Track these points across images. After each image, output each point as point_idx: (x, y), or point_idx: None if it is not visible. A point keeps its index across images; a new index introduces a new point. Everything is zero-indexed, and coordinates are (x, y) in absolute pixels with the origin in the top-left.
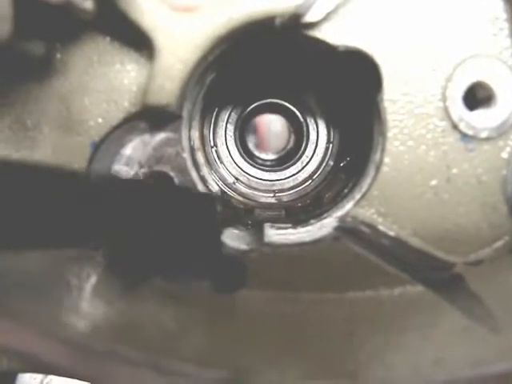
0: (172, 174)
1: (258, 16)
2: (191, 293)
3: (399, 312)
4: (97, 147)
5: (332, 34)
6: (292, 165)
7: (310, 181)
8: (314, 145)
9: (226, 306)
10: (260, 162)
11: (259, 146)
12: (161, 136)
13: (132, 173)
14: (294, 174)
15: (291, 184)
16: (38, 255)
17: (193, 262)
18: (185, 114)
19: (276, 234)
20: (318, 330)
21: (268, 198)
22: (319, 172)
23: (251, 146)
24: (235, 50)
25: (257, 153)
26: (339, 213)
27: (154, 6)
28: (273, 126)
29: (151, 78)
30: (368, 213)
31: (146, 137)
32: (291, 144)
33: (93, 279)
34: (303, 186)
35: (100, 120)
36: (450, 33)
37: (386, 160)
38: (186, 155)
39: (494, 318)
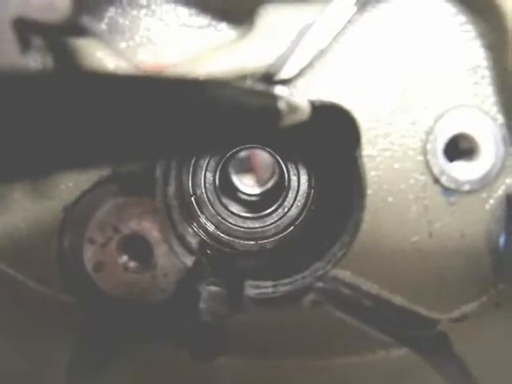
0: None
1: (228, 76)
2: (168, 361)
3: (381, 379)
4: (68, 212)
5: (307, 89)
6: (274, 211)
7: (292, 227)
8: (296, 191)
9: (204, 375)
10: (243, 200)
11: (247, 175)
12: (135, 198)
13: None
14: (275, 221)
15: (273, 231)
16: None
17: (169, 328)
18: (158, 173)
19: (254, 292)
20: None
21: (250, 246)
22: (301, 218)
23: (235, 178)
24: None
25: (242, 187)
26: (319, 272)
27: (122, 67)
28: (262, 157)
29: None
30: (348, 272)
31: (119, 200)
32: (275, 177)
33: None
34: (286, 232)
35: (71, 184)
36: (430, 84)
37: (366, 217)
38: (161, 215)
39: None
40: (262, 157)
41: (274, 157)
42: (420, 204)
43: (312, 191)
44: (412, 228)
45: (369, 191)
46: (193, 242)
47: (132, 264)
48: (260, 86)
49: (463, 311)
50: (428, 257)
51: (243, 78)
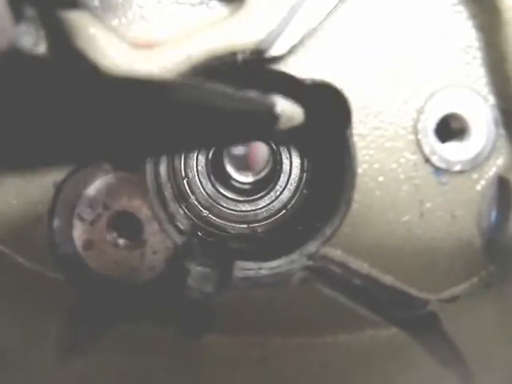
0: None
1: (218, 52)
2: (155, 340)
3: (369, 358)
4: (59, 188)
5: (298, 67)
6: (266, 195)
7: (284, 211)
8: (288, 174)
9: (191, 352)
10: (236, 187)
11: (243, 164)
12: (124, 176)
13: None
14: (267, 204)
15: (265, 214)
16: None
17: (157, 306)
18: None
19: (244, 273)
20: (289, 378)
21: (241, 229)
22: (293, 201)
23: (230, 167)
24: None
25: (236, 175)
26: (309, 250)
27: (114, 43)
28: (259, 149)
29: None
30: (338, 251)
31: (110, 177)
32: (269, 167)
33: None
34: (277, 215)
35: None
36: (422, 63)
37: (356, 197)
38: (151, 193)
39: (465, 364)
40: (259, 148)
41: (267, 143)
42: (411, 184)
43: (304, 174)
44: (403, 208)
45: (359, 170)
46: (183, 222)
47: (121, 241)
48: (257, 95)
49: (454, 292)
50: (419, 237)
51: (233, 54)
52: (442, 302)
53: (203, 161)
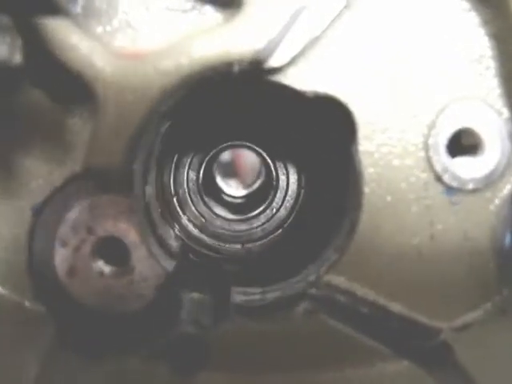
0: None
1: (212, 62)
2: (144, 377)
3: None
4: (38, 212)
5: (299, 79)
6: (261, 213)
7: (280, 230)
8: (284, 191)
9: None
10: (228, 202)
11: (232, 177)
12: (110, 196)
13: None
14: (263, 223)
15: (260, 234)
16: None
17: (146, 339)
18: (137, 168)
19: (242, 300)
20: None
21: (235, 250)
22: (290, 220)
23: (220, 179)
24: (191, 96)
25: (227, 188)
26: (312, 277)
27: (96, 53)
28: (247, 158)
29: (94, 135)
30: (343, 278)
31: (94, 199)
32: (261, 179)
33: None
34: (273, 235)
35: (41, 181)
36: (432, 75)
37: (363, 218)
38: (140, 216)
39: None
40: (247, 158)
41: (260, 156)
42: (421, 204)
43: (302, 191)
44: (412, 229)
45: (366, 189)
46: (174, 245)
47: (107, 269)
48: None
49: (467, 319)
50: (429, 261)
51: (229, 64)
52: (455, 330)
53: (194, 177)
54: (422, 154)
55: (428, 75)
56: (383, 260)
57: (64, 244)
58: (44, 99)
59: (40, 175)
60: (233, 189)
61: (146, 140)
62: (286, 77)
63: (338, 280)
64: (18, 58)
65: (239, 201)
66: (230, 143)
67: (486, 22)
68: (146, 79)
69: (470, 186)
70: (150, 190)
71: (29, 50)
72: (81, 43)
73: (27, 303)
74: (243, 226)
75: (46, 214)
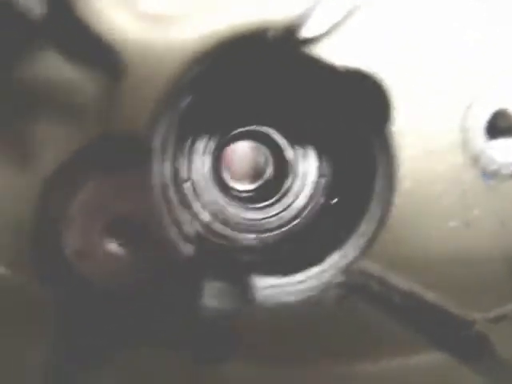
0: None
1: (248, 28)
2: (162, 368)
3: None
4: (47, 186)
5: (332, 51)
6: (277, 201)
7: (297, 220)
8: (303, 179)
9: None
10: (239, 195)
11: (232, 173)
12: (127, 171)
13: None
14: (279, 212)
15: (276, 223)
16: None
17: (165, 328)
18: (157, 144)
19: (267, 289)
20: None
21: (249, 240)
22: (308, 210)
23: (225, 175)
24: (217, 67)
25: (231, 183)
26: (341, 263)
27: (123, 15)
28: (246, 152)
29: (118, 100)
30: (376, 264)
31: (108, 174)
32: (270, 172)
33: None
34: (290, 225)
35: (52, 151)
36: (471, 52)
37: (397, 201)
38: (158, 195)
39: None
40: (249, 152)
41: (270, 144)
42: (457, 188)
43: (322, 180)
44: (448, 215)
45: (400, 172)
46: (190, 230)
47: (120, 251)
48: None
49: (502, 311)
50: (464, 248)
51: (264, 31)
52: (489, 321)
53: (209, 161)
54: (458, 136)
55: (467, 51)
56: (418, 246)
57: (73, 224)
58: (61, 61)
59: (51, 144)
60: (238, 184)
61: (168, 112)
62: (319, 49)
63: (371, 267)
64: (41, 9)
65: (249, 194)
66: (247, 128)
67: None
68: (177, 44)
69: (508, 170)
70: (166, 168)
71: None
72: (102, 2)
73: (33, 285)
74: (258, 215)
75: (54, 190)
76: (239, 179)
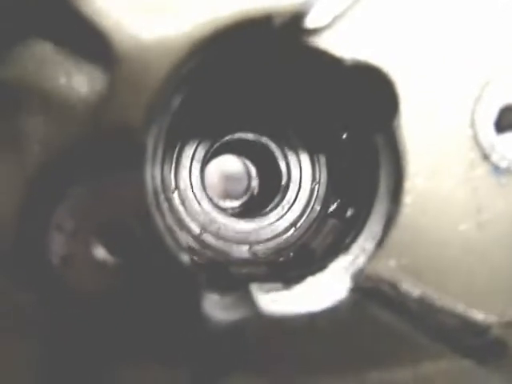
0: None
1: (253, 14)
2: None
3: None
4: (32, 186)
5: (337, 44)
6: (271, 211)
7: (292, 229)
8: (297, 186)
9: None
10: (227, 210)
11: (217, 192)
12: (118, 174)
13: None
14: (273, 222)
15: (270, 234)
16: None
17: (160, 340)
18: (149, 144)
19: (272, 301)
20: None
21: (242, 252)
22: (303, 219)
23: (210, 192)
24: (214, 61)
25: (215, 199)
26: (349, 268)
27: (117, 5)
28: (227, 168)
29: (110, 93)
30: (387, 267)
31: (98, 176)
32: (255, 188)
33: None
34: (285, 235)
35: (37, 148)
36: (478, 44)
37: (407, 200)
38: (150, 199)
39: None
40: (230, 168)
41: (263, 153)
42: (468, 185)
43: (317, 186)
44: (459, 214)
45: (410, 169)
46: (182, 239)
47: (109, 258)
48: None
49: None
50: (476, 249)
51: (269, 17)
52: (505, 325)
53: (198, 169)
54: (468, 130)
55: (472, 47)
56: (430, 248)
57: (60, 228)
58: (50, 52)
59: (37, 142)
60: (222, 201)
61: (160, 111)
62: (324, 40)
63: (383, 269)
64: None
65: (237, 210)
66: (238, 134)
67: None
68: (175, 31)
69: None
70: (157, 173)
71: None
72: None
73: (15, 291)
74: (251, 226)
75: (40, 193)
76: (224, 197)
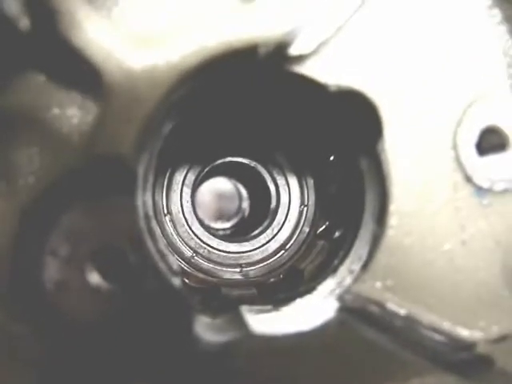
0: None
1: (238, 44)
2: None
3: None
4: (26, 215)
5: (322, 70)
6: (261, 233)
7: (282, 251)
8: (286, 209)
9: None
10: (219, 231)
11: (207, 215)
12: (110, 200)
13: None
14: (263, 244)
15: (260, 256)
16: None
17: (154, 363)
18: (140, 171)
19: (261, 322)
20: None
21: (233, 274)
22: (293, 240)
23: (201, 214)
24: (202, 89)
25: (206, 221)
26: (336, 289)
27: (106, 33)
28: (219, 187)
29: (102, 122)
30: (373, 288)
31: (91, 202)
32: (246, 209)
33: None
34: (275, 257)
35: (31, 179)
36: (459, 68)
37: (392, 222)
38: (142, 224)
39: None
40: (222, 190)
41: (252, 177)
42: (451, 206)
43: (305, 209)
44: (443, 234)
45: (394, 191)
46: (174, 262)
47: (104, 283)
48: None
49: (502, 330)
50: (461, 268)
51: (254, 47)
52: (490, 342)
53: (189, 193)
54: (451, 152)
55: (455, 68)
56: (415, 268)
57: (55, 254)
58: (43, 84)
59: (30, 171)
60: (213, 223)
61: (151, 137)
62: (308, 68)
63: (368, 290)
64: (24, 23)
65: (228, 232)
66: (228, 159)
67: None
68: (162, 61)
69: (501, 187)
70: (148, 199)
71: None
72: (86, 20)
73: (9, 322)
74: (242, 248)
75: (35, 218)
76: (214, 220)
